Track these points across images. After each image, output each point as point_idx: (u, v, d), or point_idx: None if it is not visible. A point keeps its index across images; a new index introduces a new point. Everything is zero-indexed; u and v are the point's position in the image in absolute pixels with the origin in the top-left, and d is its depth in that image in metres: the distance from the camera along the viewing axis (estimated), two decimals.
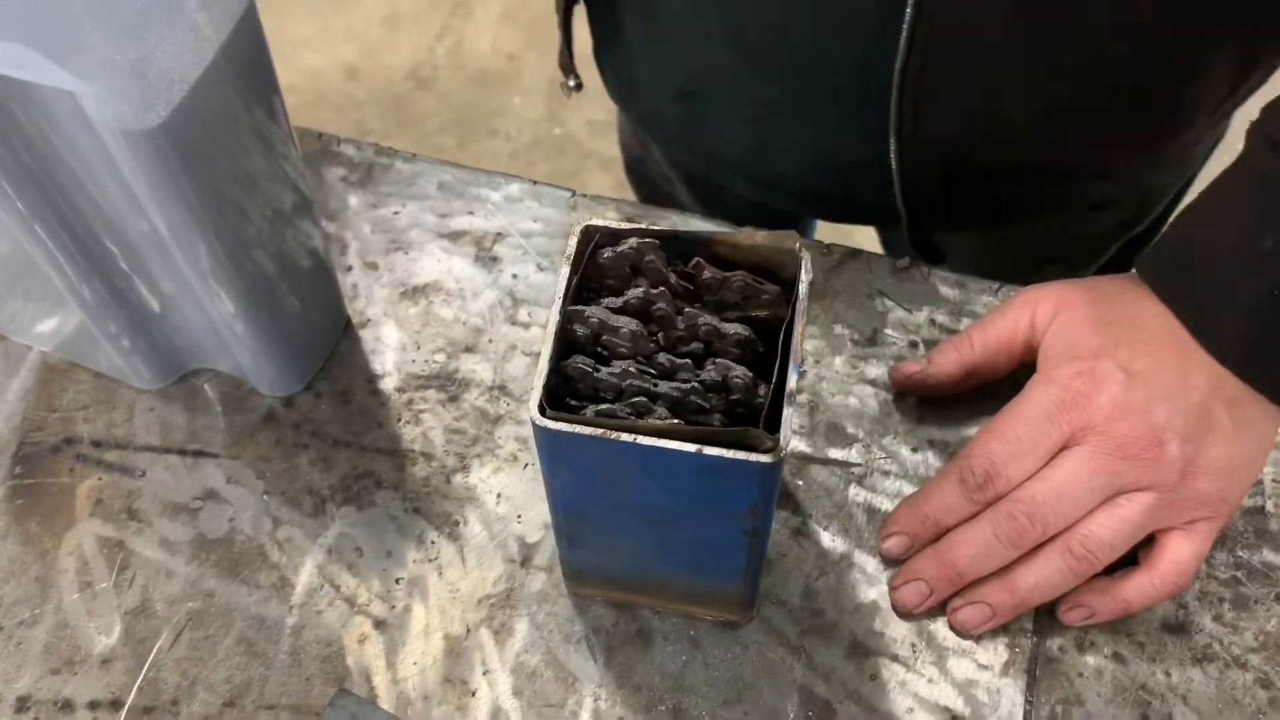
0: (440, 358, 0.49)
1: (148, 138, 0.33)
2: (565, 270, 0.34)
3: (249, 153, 0.37)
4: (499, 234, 0.52)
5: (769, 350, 0.35)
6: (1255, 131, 0.42)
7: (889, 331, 0.49)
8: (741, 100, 0.55)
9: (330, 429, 0.47)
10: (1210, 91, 0.52)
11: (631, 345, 0.34)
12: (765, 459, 0.31)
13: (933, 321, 0.50)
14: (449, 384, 0.48)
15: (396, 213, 0.53)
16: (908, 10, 0.44)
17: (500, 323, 0.50)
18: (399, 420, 0.47)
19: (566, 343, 0.34)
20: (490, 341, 0.49)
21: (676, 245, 0.35)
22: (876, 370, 0.48)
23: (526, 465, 0.46)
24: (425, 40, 1.82)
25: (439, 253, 0.52)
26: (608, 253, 0.35)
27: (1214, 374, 0.42)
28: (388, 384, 0.48)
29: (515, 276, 0.51)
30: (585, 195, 0.54)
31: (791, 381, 0.32)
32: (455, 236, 0.52)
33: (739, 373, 0.33)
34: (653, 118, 0.63)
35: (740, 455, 0.31)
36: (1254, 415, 0.42)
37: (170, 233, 0.37)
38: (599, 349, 0.34)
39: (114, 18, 0.30)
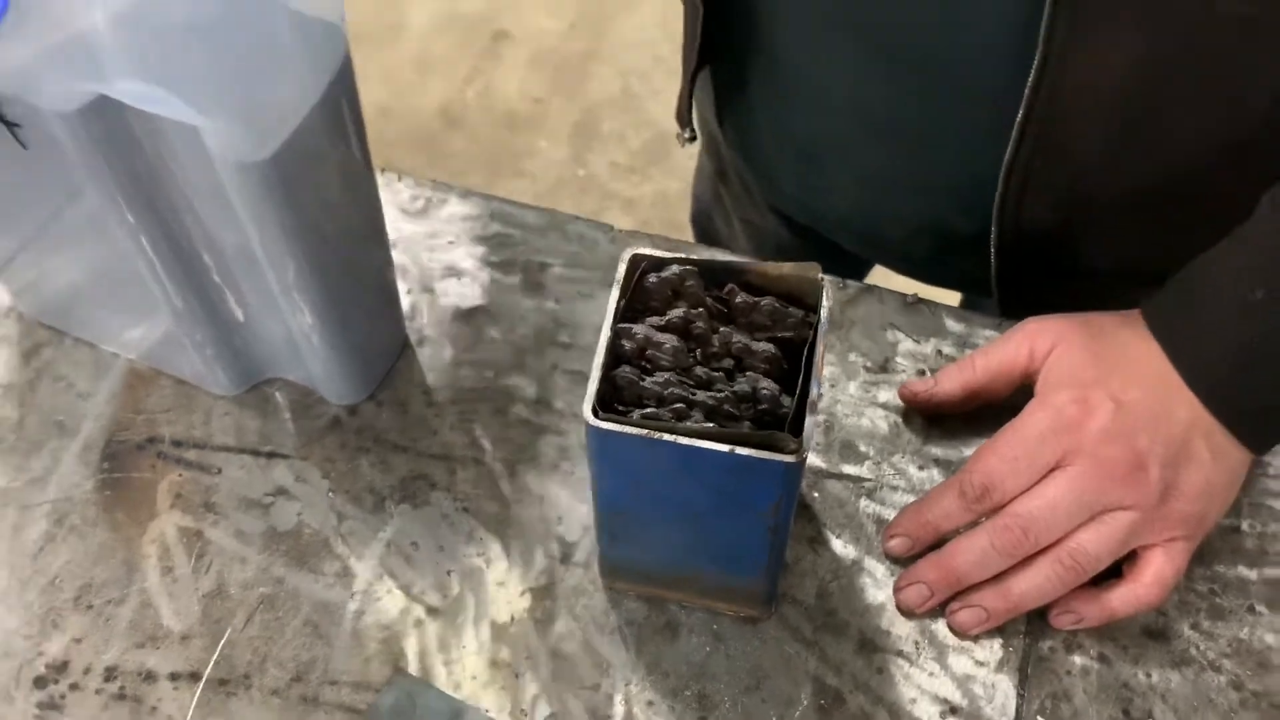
0: (489, 374, 0.54)
1: (256, 169, 0.38)
2: (615, 292, 0.39)
3: (337, 184, 0.42)
4: (543, 264, 0.57)
5: (793, 367, 0.39)
6: (1266, 197, 0.46)
7: (899, 360, 0.54)
8: (856, 166, 0.59)
9: (389, 435, 0.52)
10: None
11: (672, 359, 0.39)
12: (789, 459, 0.36)
13: (939, 352, 0.54)
14: (497, 398, 0.53)
15: (451, 242, 0.58)
16: (1020, 109, 0.48)
17: (544, 344, 0.55)
18: (451, 429, 0.52)
19: (615, 356, 0.39)
20: (534, 360, 0.54)
21: (713, 273, 0.40)
22: (887, 395, 0.53)
23: (568, 472, 0.51)
24: (455, 83, 1.89)
25: (488, 280, 0.57)
26: (653, 278, 0.40)
27: (1195, 409, 0.46)
28: (441, 396, 0.53)
29: (558, 302, 0.56)
30: (621, 230, 0.58)
31: (813, 393, 0.37)
32: (503, 265, 0.57)
33: (767, 385, 0.38)
34: (769, 173, 0.68)
35: (767, 455, 0.36)
36: (1228, 449, 0.46)
37: (264, 251, 0.42)
38: (643, 362, 0.39)
39: (236, 63, 0.35)
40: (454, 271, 0.57)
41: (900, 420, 0.52)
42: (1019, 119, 0.49)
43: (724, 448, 0.36)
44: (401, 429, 0.52)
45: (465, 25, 1.98)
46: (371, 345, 0.51)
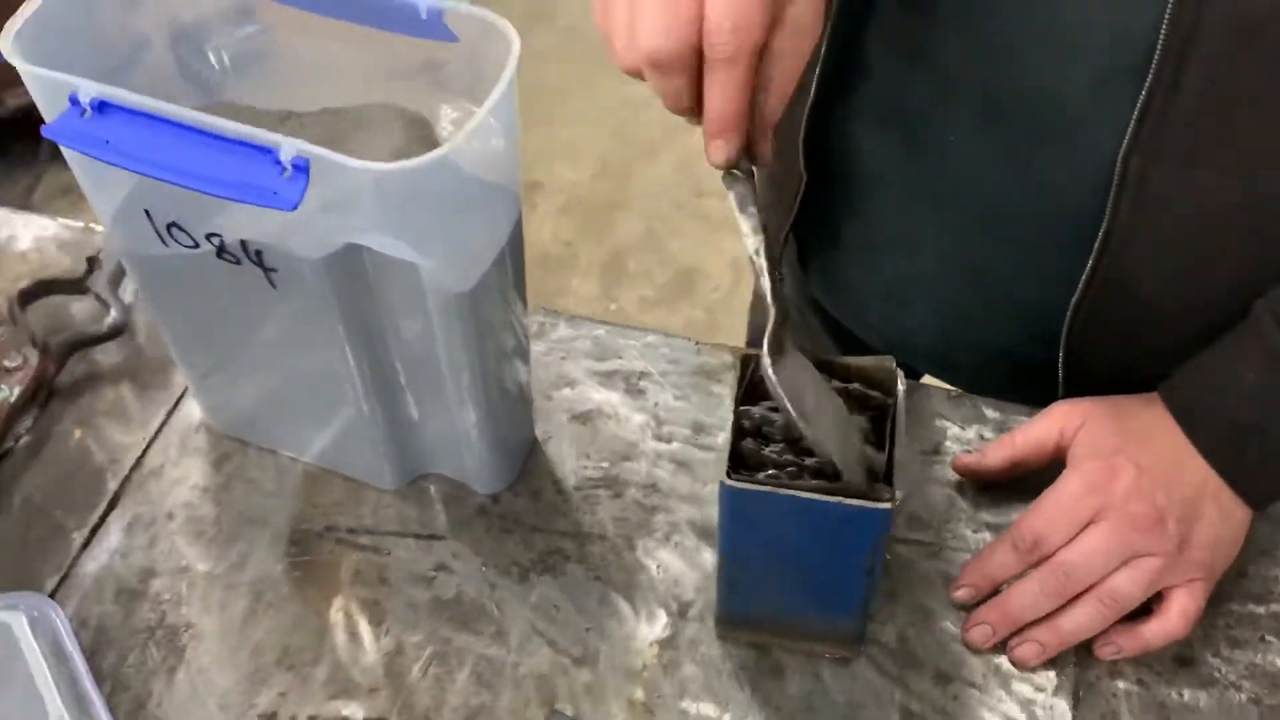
0: (605, 465, 0.64)
1: (458, 298, 0.49)
2: (734, 385, 0.50)
3: (507, 307, 0.54)
4: (641, 373, 0.68)
5: (877, 439, 0.50)
6: (1261, 301, 0.55)
7: (948, 443, 0.64)
8: (937, 302, 0.67)
9: (527, 518, 0.61)
10: None
11: (783, 433, 0.49)
12: (885, 505, 0.46)
13: (981, 436, 0.65)
14: (614, 485, 0.63)
15: (563, 358, 0.69)
16: (1090, 259, 0.56)
17: (649, 439, 0.65)
18: (578, 512, 0.62)
19: (739, 432, 0.49)
20: (642, 453, 0.64)
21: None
22: (942, 472, 0.63)
23: (677, 543, 0.60)
24: None
25: (597, 387, 0.67)
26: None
27: (1205, 473, 0.56)
28: (567, 485, 0.63)
29: (657, 404, 0.67)
30: (704, 343, 0.69)
31: (898, 456, 0.47)
32: (607, 375, 0.68)
33: (865, 453, 0.48)
34: (854, 307, 0.75)
35: (867, 504, 0.46)
36: (1233, 508, 0.56)
37: (449, 362, 0.53)
38: (760, 437, 0.49)
39: (453, 218, 0.47)
40: (567, 381, 0.68)
41: (955, 493, 0.62)
42: (1088, 268, 0.57)
43: (833, 499, 0.46)
44: (537, 512, 0.62)
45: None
46: (513, 442, 0.62)
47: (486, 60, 0.48)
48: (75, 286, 0.69)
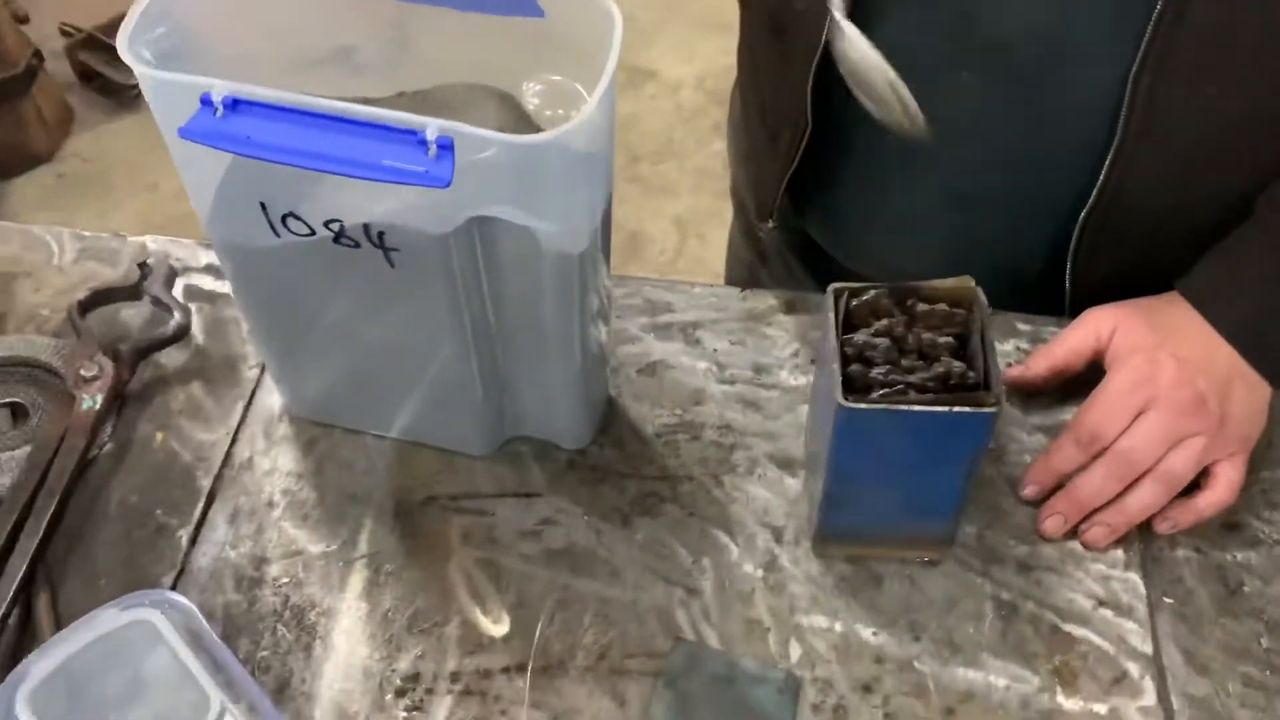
0: (679, 411, 0.67)
1: (570, 259, 0.52)
2: (830, 316, 0.54)
3: (602, 269, 0.57)
4: (695, 323, 0.72)
5: (965, 352, 0.54)
6: (1264, 196, 0.62)
7: None
8: (942, 234, 0.72)
9: (617, 467, 0.65)
10: None
11: (884, 356, 0.53)
12: (991, 409, 0.50)
13: (1017, 348, 0.70)
14: (690, 429, 0.67)
15: (619, 316, 0.72)
16: (1099, 179, 0.61)
17: (713, 383, 0.69)
18: (662, 456, 0.65)
19: (843, 356, 0.53)
20: (710, 397, 0.68)
21: (896, 293, 0.55)
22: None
23: (760, 475, 0.64)
24: None
25: (657, 341, 0.71)
26: (855, 301, 0.55)
27: (1230, 356, 0.62)
28: (647, 433, 0.66)
29: (715, 350, 0.70)
30: (750, 290, 0.73)
31: (994, 365, 0.52)
32: (663, 329, 0.71)
33: (958, 367, 0.53)
34: (855, 246, 0.78)
35: (975, 409, 0.50)
36: (1257, 386, 0.62)
37: (554, 323, 0.55)
38: (863, 361, 0.53)
39: (569, 185, 0.50)
40: (629, 338, 0.71)
41: (1005, 401, 0.67)
42: (1098, 185, 0.62)
43: (945, 409, 0.50)
44: (624, 461, 0.65)
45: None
46: (596, 398, 0.65)
47: (570, 31, 0.51)
48: (131, 293, 0.69)
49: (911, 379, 0.53)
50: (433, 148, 0.44)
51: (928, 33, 0.64)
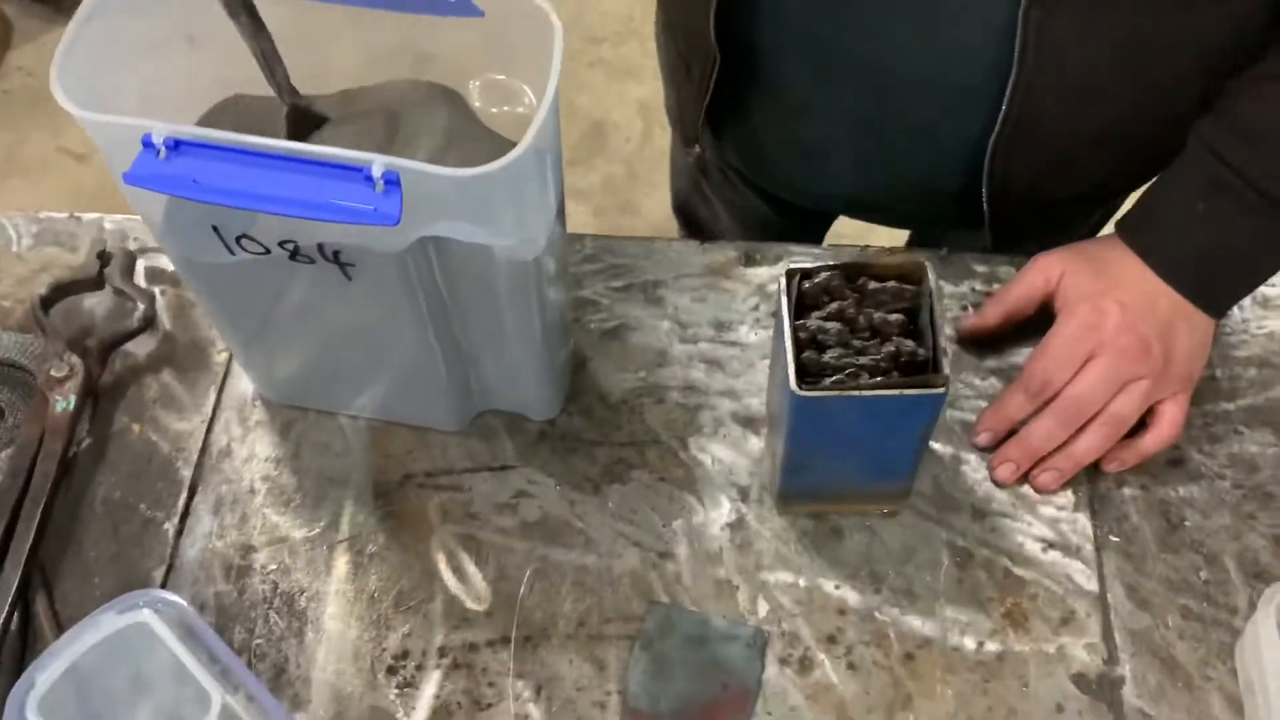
0: (643, 374, 0.69)
1: (526, 265, 0.53)
2: (784, 300, 0.55)
3: (562, 256, 0.57)
4: (655, 281, 0.73)
5: (916, 327, 0.56)
6: (1193, 132, 0.63)
7: (947, 300, 0.71)
8: (858, 158, 0.74)
9: (586, 435, 0.67)
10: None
11: (837, 339, 0.55)
12: (940, 390, 0.52)
13: (973, 289, 0.72)
14: (655, 390, 0.68)
15: (581, 279, 0.73)
16: (1002, 104, 0.63)
17: (676, 342, 0.70)
18: (629, 422, 0.67)
19: (795, 341, 0.55)
20: (674, 358, 0.70)
21: (847, 272, 0.56)
22: (946, 329, 0.70)
23: (724, 435, 0.67)
24: None
25: (618, 302, 0.72)
26: (807, 283, 0.56)
27: (1171, 297, 0.64)
28: (614, 399, 0.68)
29: (677, 308, 0.71)
30: (710, 242, 0.74)
31: (943, 343, 0.53)
32: (625, 290, 0.72)
33: (908, 345, 0.54)
34: (772, 173, 0.81)
35: (925, 391, 0.52)
36: (1198, 320, 0.64)
37: (514, 319, 0.57)
38: (815, 345, 0.55)
39: (523, 204, 0.50)
40: (591, 302, 0.72)
41: (959, 347, 0.69)
42: (1002, 111, 0.64)
43: (895, 393, 0.52)
44: (593, 429, 0.67)
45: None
46: (562, 368, 0.66)
47: (511, 33, 0.51)
48: (93, 284, 0.70)
49: (863, 360, 0.54)
50: (379, 184, 0.45)
51: None
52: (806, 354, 0.54)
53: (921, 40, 0.64)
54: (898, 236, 0.95)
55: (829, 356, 0.55)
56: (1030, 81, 0.62)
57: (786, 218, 0.92)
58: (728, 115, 0.79)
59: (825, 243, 1.13)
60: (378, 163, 0.44)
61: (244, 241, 0.52)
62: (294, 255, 0.52)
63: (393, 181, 0.45)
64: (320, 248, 0.51)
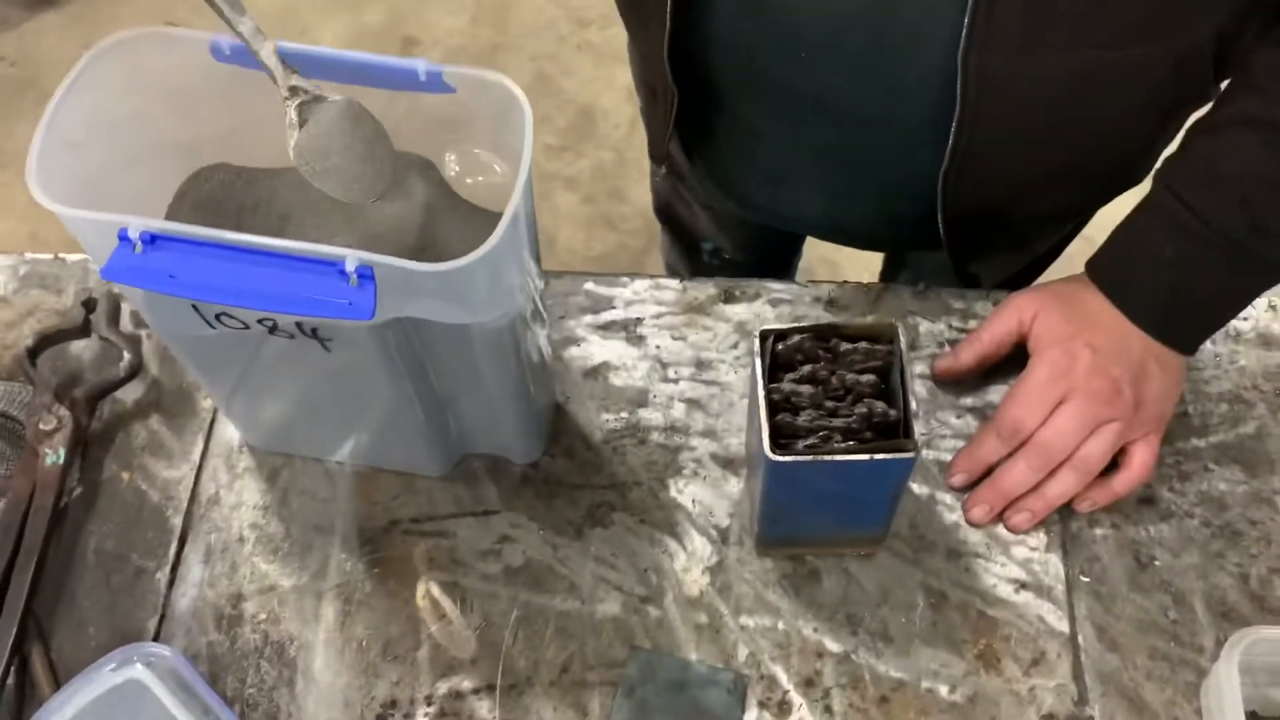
0: (624, 414, 0.70)
1: (497, 330, 0.53)
2: (758, 362, 0.56)
3: (537, 308, 0.58)
4: (637, 319, 0.73)
5: (888, 386, 0.57)
6: (1158, 178, 0.64)
7: (923, 338, 0.72)
8: (819, 185, 0.75)
9: (569, 478, 0.68)
10: (1162, 146, 0.73)
11: (810, 401, 0.56)
12: (910, 455, 0.53)
13: (950, 325, 0.72)
14: (636, 431, 0.69)
15: (562, 317, 0.73)
16: (949, 139, 0.63)
17: (657, 381, 0.71)
18: (610, 463, 0.68)
19: (770, 405, 0.56)
20: (655, 397, 0.71)
21: (819, 333, 0.57)
22: (921, 367, 0.71)
23: (704, 476, 0.68)
24: None
25: (600, 341, 0.73)
26: (780, 345, 0.57)
27: (1142, 339, 0.65)
28: (595, 439, 0.69)
29: (658, 347, 0.72)
30: (688, 281, 0.75)
31: (912, 405, 0.54)
32: (607, 327, 0.73)
33: (879, 407, 0.56)
34: (739, 193, 0.82)
35: (895, 456, 0.53)
36: (1169, 361, 0.66)
37: (492, 376, 0.58)
38: (789, 407, 0.56)
39: (494, 285, 0.51)
40: (573, 340, 0.73)
41: (935, 385, 0.70)
42: (949, 146, 0.64)
43: (866, 457, 0.53)
44: (575, 471, 0.68)
45: (373, 36, 2.08)
46: (541, 411, 0.67)
47: (483, 110, 0.51)
48: (79, 333, 0.70)
49: (836, 422, 0.55)
50: (353, 278, 0.45)
51: (754, 21, 0.65)
52: (781, 416, 0.55)
53: (866, 80, 0.65)
54: (873, 256, 0.96)
55: (802, 419, 0.56)
56: (975, 119, 0.63)
57: (762, 230, 0.93)
58: (693, 141, 0.80)
59: (802, 262, 1.16)
60: (351, 258, 0.45)
61: (223, 318, 0.52)
62: (273, 330, 0.53)
63: (366, 276, 0.45)
64: (298, 324, 0.52)
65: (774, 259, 1.10)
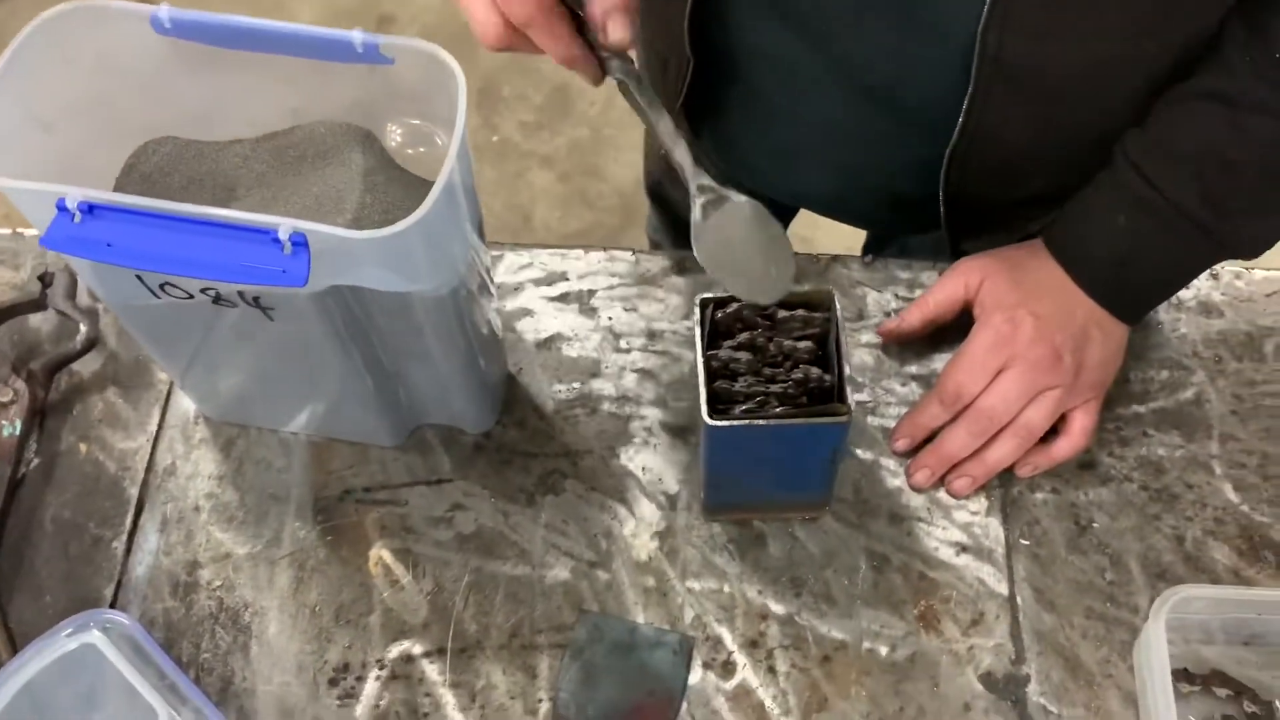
0: (576, 385, 0.71)
1: (440, 299, 0.54)
2: (698, 330, 0.57)
3: (482, 280, 0.59)
4: (590, 290, 0.74)
5: (825, 352, 0.58)
6: (1118, 147, 0.65)
7: (869, 307, 0.73)
8: (827, 161, 0.75)
9: (521, 446, 0.69)
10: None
11: (748, 367, 0.57)
12: (843, 419, 0.55)
13: (896, 295, 0.74)
14: (588, 401, 0.71)
15: (517, 289, 0.74)
16: (959, 117, 0.64)
17: (609, 352, 0.72)
18: (562, 432, 0.70)
19: (709, 372, 0.57)
20: (606, 367, 0.72)
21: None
22: (868, 336, 0.72)
23: (654, 445, 0.69)
24: None
25: (554, 312, 0.74)
26: (719, 313, 0.58)
27: (1088, 306, 0.66)
28: (548, 409, 0.70)
29: (611, 318, 0.73)
30: (642, 251, 0.76)
31: (846, 371, 0.55)
32: (561, 299, 0.74)
33: (815, 373, 0.57)
34: (746, 166, 0.82)
35: (829, 420, 0.55)
36: (1113, 328, 0.67)
37: (438, 345, 0.58)
38: (728, 374, 0.57)
39: (435, 252, 0.51)
40: (527, 312, 0.74)
41: (881, 353, 0.72)
42: (958, 126, 0.65)
43: (801, 422, 0.54)
44: (527, 440, 0.69)
45: (349, 14, 2.07)
46: (492, 381, 0.68)
47: (419, 81, 0.52)
48: (35, 306, 0.71)
49: (774, 388, 0.57)
50: (287, 245, 0.46)
51: None
52: (719, 383, 0.57)
53: (885, 56, 0.65)
54: (847, 231, 0.97)
55: (740, 385, 0.57)
56: (985, 100, 0.63)
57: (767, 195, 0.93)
58: (702, 113, 0.80)
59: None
60: (284, 225, 0.46)
61: (167, 288, 0.53)
62: (216, 300, 0.53)
63: (300, 243, 0.46)
64: (240, 294, 0.53)
65: None
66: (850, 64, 0.67)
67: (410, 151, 0.57)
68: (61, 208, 0.47)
